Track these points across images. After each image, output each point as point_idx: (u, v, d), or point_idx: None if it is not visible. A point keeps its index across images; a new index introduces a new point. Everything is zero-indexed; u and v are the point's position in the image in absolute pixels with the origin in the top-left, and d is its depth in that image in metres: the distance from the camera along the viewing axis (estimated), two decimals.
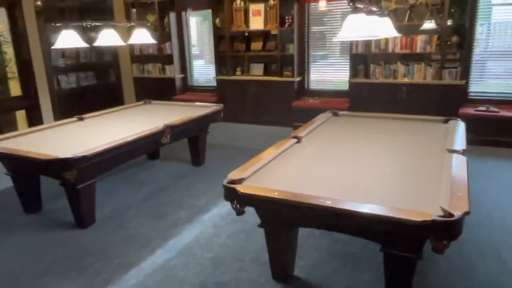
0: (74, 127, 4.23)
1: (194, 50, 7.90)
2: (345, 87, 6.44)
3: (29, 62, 6.06)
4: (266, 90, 6.83)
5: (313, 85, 6.96)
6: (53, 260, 2.98)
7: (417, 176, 2.49)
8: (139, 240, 3.22)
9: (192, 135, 4.70)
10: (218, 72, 7.19)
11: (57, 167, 3.04)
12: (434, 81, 5.70)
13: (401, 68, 5.87)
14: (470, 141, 5.27)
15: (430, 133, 3.46)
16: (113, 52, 7.77)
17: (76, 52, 7.35)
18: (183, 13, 7.50)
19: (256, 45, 6.86)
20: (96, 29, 3.97)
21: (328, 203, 2.04)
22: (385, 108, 5.44)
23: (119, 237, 3.28)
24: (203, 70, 7.88)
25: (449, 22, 5.49)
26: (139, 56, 7.80)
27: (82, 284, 2.67)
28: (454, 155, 2.71)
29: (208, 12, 7.08)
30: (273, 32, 6.59)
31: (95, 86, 7.71)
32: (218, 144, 5.78)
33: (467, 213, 1.90)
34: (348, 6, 2.44)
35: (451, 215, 1.85)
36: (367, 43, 5.95)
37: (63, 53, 7.12)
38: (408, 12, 5.64)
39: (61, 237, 3.33)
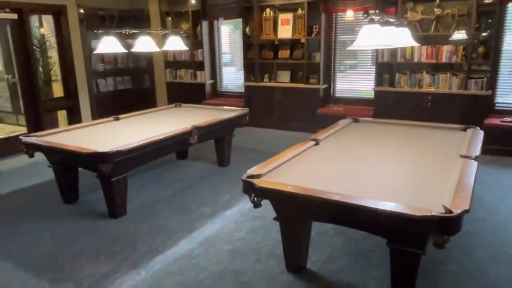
0: (111, 125, 4.57)
1: (225, 57, 8.21)
2: (370, 95, 6.54)
3: (72, 65, 6.53)
4: (292, 97, 7.03)
5: (339, 93, 7.09)
6: (87, 245, 3.28)
7: (427, 178, 2.61)
8: (165, 231, 3.48)
9: (218, 137, 4.95)
10: (247, 78, 7.45)
11: (95, 160, 3.34)
12: (459, 91, 5.72)
13: (426, 77, 5.93)
14: (494, 152, 5.32)
15: (447, 140, 3.55)
16: (148, 58, 8.20)
17: (114, 57, 7.81)
18: (215, 22, 7.83)
19: (284, 53, 7.08)
20: (133, 36, 4.30)
21: (337, 197, 2.22)
22: (409, 117, 5.51)
23: (147, 228, 3.55)
24: (232, 77, 8.16)
25: (483, 34, 5.51)
26: (172, 62, 8.18)
27: (111, 266, 2.94)
28: (465, 160, 2.81)
29: (239, 21, 7.37)
30: (301, 40, 6.79)
31: (131, 90, 8.14)
32: (244, 147, 6.01)
33: (466, 211, 2.03)
34: (365, 18, 2.61)
35: (451, 212, 1.99)
36: (393, 53, 6.04)
37: (102, 58, 7.59)
38: (434, 22, 5.71)
39: (95, 225, 3.63)
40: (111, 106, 7.12)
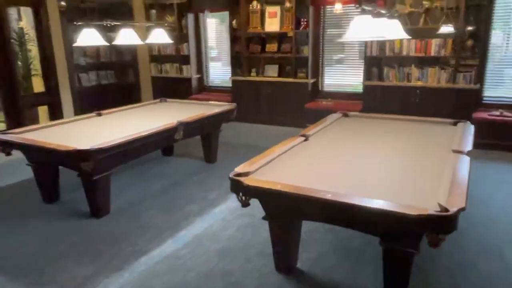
0: (93, 122, 4.41)
1: (212, 52, 8.05)
2: (359, 89, 6.49)
3: (52, 60, 6.31)
4: (280, 91, 6.93)
5: (327, 87, 7.02)
6: (69, 246, 3.14)
7: (420, 174, 2.55)
8: (151, 230, 3.36)
9: (205, 132, 4.83)
10: (234, 72, 7.32)
11: (75, 158, 3.20)
12: (448, 84, 5.70)
13: (415, 71, 5.89)
14: (482, 146, 5.31)
15: (438, 135, 3.50)
16: (132, 51, 8.00)
17: (97, 51, 7.59)
18: (200, 15, 7.67)
19: (271, 47, 6.97)
20: (116, 28, 4.14)
21: (328, 196, 2.13)
22: (398, 111, 5.46)
23: (132, 227, 3.42)
24: (219, 71, 8.02)
25: (469, 28, 5.48)
26: (157, 56, 8.00)
27: (95, 268, 2.82)
28: (458, 156, 2.76)
29: (226, 14, 7.23)
30: (289, 34, 6.68)
31: (114, 85, 7.93)
32: (231, 142, 5.90)
33: (462, 209, 1.96)
34: (357, 9, 2.52)
35: (447, 211, 1.92)
36: (381, 47, 5.99)
37: (84, 52, 7.37)
38: (423, 15, 5.66)
39: (77, 225, 3.49)
40: (94, 101, 6.89)
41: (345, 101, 6.66)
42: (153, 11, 7.73)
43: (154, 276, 2.72)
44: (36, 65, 6.54)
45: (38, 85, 6.68)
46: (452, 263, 2.83)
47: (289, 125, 6.74)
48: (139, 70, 8.17)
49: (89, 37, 3.75)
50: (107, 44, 4.02)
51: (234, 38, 7.17)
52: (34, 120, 6.48)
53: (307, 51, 6.60)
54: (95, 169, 3.32)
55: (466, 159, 2.70)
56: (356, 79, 6.58)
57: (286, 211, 2.50)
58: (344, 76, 6.89)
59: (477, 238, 3.15)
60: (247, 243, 3.13)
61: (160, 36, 4.47)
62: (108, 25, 3.83)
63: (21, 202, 4.01)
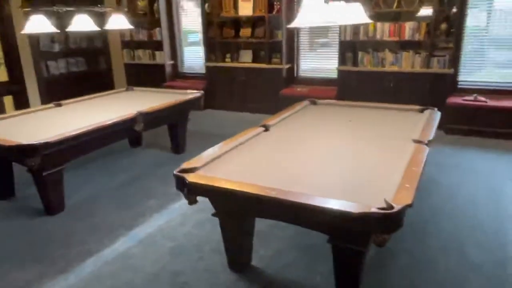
0: (50, 113, 4.21)
1: (192, 36, 7.78)
2: (335, 75, 6.33)
3: (14, 47, 6.03)
4: (255, 78, 6.75)
5: (302, 73, 6.86)
6: (15, 247, 2.99)
7: (374, 167, 2.43)
8: (104, 228, 3.21)
9: (171, 122, 4.66)
10: (208, 58, 7.11)
11: (20, 154, 3.02)
12: (422, 69, 5.57)
13: (389, 56, 5.75)
14: (456, 131, 5.23)
15: (402, 123, 3.38)
16: (103, 37, 7.71)
17: (65, 37, 7.29)
18: None
19: (245, 32, 6.75)
20: (70, 14, 3.91)
21: (273, 194, 2.00)
22: (373, 96, 5.33)
23: (85, 226, 3.27)
24: (195, 57, 7.78)
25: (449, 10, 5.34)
26: (130, 42, 7.71)
27: (39, 271, 2.68)
28: (417, 146, 2.65)
29: None
30: (263, 17, 6.46)
31: (85, 72, 7.66)
32: (203, 131, 5.74)
33: (408, 206, 1.85)
34: None
35: (392, 208, 1.80)
36: (355, 30, 5.82)
37: (52, 38, 7.07)
38: None
39: (28, 224, 3.33)
40: (63, 90, 6.64)
41: (320, 87, 6.51)
42: None
43: (99, 278, 2.59)
44: None
45: (2, 74, 6.40)
46: (412, 260, 2.73)
47: (264, 112, 6.54)
48: (111, 57, 7.90)
49: (37, 23, 3.53)
50: (57, 31, 3.79)
51: (208, 22, 6.94)
52: (0, 111, 6.23)
53: (280, 35, 6.41)
54: (44, 164, 3.15)
55: (424, 150, 2.59)
56: (332, 65, 6.41)
57: (234, 209, 2.37)
58: (320, 62, 6.72)
59: (440, 232, 3.06)
60: (203, 239, 3.01)
61: (119, 22, 4.25)
62: (59, 11, 3.59)
63: None
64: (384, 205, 1.85)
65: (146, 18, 7.35)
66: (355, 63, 6.01)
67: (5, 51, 6.09)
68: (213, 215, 2.48)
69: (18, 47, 6.09)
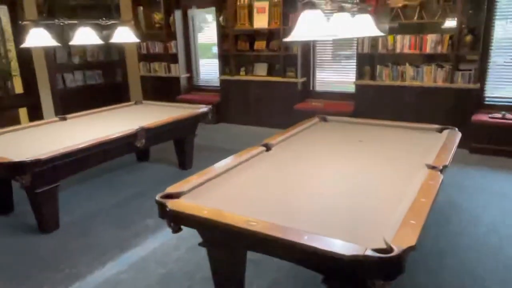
0: (53, 127, 4.13)
1: (206, 50, 7.69)
2: (352, 89, 6.07)
3: (30, 60, 6.07)
4: (269, 91, 6.57)
5: (318, 87, 6.61)
6: (3, 265, 2.87)
7: (378, 197, 2.17)
8: (96, 249, 3.06)
9: (176, 137, 4.52)
10: (222, 71, 6.98)
11: (10, 171, 2.92)
12: (445, 84, 5.24)
13: (409, 70, 5.44)
14: (482, 151, 4.86)
15: (416, 145, 3.09)
16: (120, 50, 7.73)
17: (83, 50, 7.34)
18: (188, 11, 7.33)
19: (260, 44, 6.60)
20: (73, 27, 3.85)
21: (254, 226, 1.78)
22: (392, 113, 5.09)
23: (77, 245, 3.13)
24: (210, 70, 7.68)
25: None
26: (146, 54, 7.71)
27: None
28: (429, 172, 2.37)
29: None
30: (278, 30, 6.30)
31: (102, 85, 7.69)
32: (213, 146, 5.58)
33: (411, 248, 1.59)
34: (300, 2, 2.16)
35: (390, 250, 1.55)
36: (373, 43, 5.56)
37: (69, 51, 7.13)
38: (418, 9, 5.21)
39: (21, 242, 3.22)
40: (78, 102, 6.63)
41: (337, 102, 6.25)
42: (140, 8, 7.45)
43: None
44: (15, 65, 6.33)
45: (19, 86, 6.47)
46: None
47: (278, 127, 6.30)
48: (128, 70, 7.90)
49: (37, 37, 3.47)
50: (59, 44, 3.72)
51: (223, 35, 6.83)
52: (15, 122, 6.26)
53: (296, 48, 6.21)
54: (36, 182, 3.04)
55: (438, 177, 2.31)
56: (349, 78, 6.15)
57: (220, 240, 2.15)
58: (336, 75, 6.47)
59: (458, 266, 2.74)
60: (195, 266, 2.81)
61: (124, 35, 4.16)
62: (61, 23, 3.52)
63: None
64: (382, 245, 1.61)
65: (162, 31, 7.32)
66: (373, 77, 5.73)
67: (20, 63, 6.15)
68: (200, 244, 2.27)
69: (33, 59, 6.12)
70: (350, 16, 2.58)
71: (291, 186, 2.37)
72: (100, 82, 7.70)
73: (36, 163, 2.92)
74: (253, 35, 6.67)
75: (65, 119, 4.40)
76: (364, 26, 2.68)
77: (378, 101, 5.67)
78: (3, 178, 3.39)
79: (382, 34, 2.83)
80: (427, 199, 2.00)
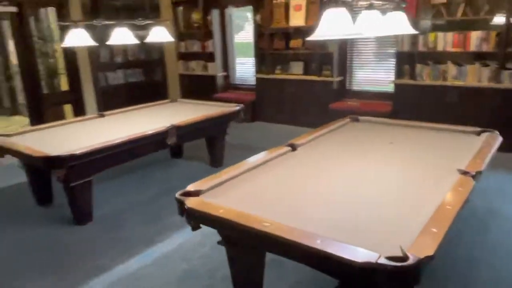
0: (92, 123, 4.31)
1: (242, 48, 7.74)
2: (390, 89, 5.87)
3: (74, 58, 6.37)
4: (304, 90, 6.49)
5: (356, 86, 6.45)
6: (38, 255, 3.04)
7: (400, 203, 2.08)
8: (123, 243, 3.16)
9: (208, 136, 4.57)
10: (258, 70, 6.98)
11: (46, 165, 3.08)
12: (490, 84, 4.94)
13: (452, 68, 5.18)
14: None
15: (451, 148, 2.94)
16: (160, 49, 7.93)
17: (124, 49, 7.60)
18: (226, 10, 7.39)
19: (296, 42, 6.53)
20: (110, 27, 3.98)
21: (267, 227, 1.76)
22: (432, 114, 4.89)
23: (107, 238, 3.25)
24: (246, 68, 7.70)
25: None
26: (185, 53, 7.86)
27: (49, 284, 2.66)
28: (461, 178, 2.24)
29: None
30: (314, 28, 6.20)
31: (142, 83, 7.91)
32: (246, 145, 5.60)
33: (429, 258, 1.51)
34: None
35: (405, 259, 1.48)
36: (413, 40, 5.34)
37: (111, 50, 7.40)
38: (463, 5, 4.94)
39: (57, 233, 3.39)
40: (120, 99, 6.91)
41: (374, 102, 6.07)
42: (180, 8, 7.61)
43: None
44: (62, 64, 6.66)
45: (64, 84, 6.81)
46: None
47: (313, 126, 6.16)
48: (167, 68, 8.09)
49: (76, 37, 3.63)
50: (96, 44, 3.87)
51: (259, 34, 6.82)
52: (60, 117, 6.60)
53: (332, 46, 6.09)
54: (71, 175, 3.18)
55: (468, 184, 2.17)
56: (388, 78, 5.95)
57: (237, 239, 2.15)
58: (374, 74, 6.28)
59: (497, 279, 2.57)
60: (218, 264, 2.82)
61: (160, 34, 4.26)
62: (98, 24, 3.66)
63: (18, 204, 4.00)
64: (399, 253, 1.54)
65: (200, 30, 7.43)
66: (413, 77, 5.51)
67: (66, 62, 6.46)
68: (219, 243, 2.29)
69: (78, 58, 6.42)
70: (379, 14, 2.49)
71: (313, 186, 2.33)
72: (141, 80, 7.93)
73: (71, 157, 3.06)
74: (289, 34, 6.61)
75: (103, 115, 4.57)
76: (395, 23, 2.57)
77: (418, 102, 5.45)
78: (42, 171, 3.56)
79: (415, 31, 2.70)
80: (453, 207, 1.89)
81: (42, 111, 6.08)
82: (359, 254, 1.53)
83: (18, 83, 6.85)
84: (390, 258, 1.50)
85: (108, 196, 4.02)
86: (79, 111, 6.56)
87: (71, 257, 2.99)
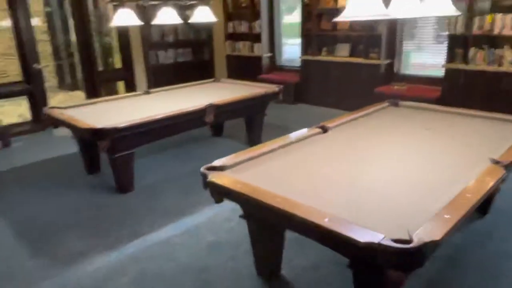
0: (137, 100, 4.55)
1: (291, 29, 7.68)
2: (440, 73, 5.60)
3: (127, 37, 6.69)
4: (350, 73, 6.37)
5: (404, 70, 6.21)
6: (82, 219, 3.33)
7: (423, 188, 2.04)
8: (158, 213, 3.37)
9: (246, 115, 4.66)
10: (304, 51, 6.92)
11: (92, 136, 3.33)
12: None
13: (509, 53, 4.83)
14: None
15: (488, 137, 2.79)
16: (208, 30, 8.07)
17: (175, 29, 7.82)
18: None
19: (344, 24, 6.38)
20: (158, 7, 4.14)
21: (278, 202, 1.82)
22: (484, 100, 4.68)
23: (145, 207, 3.48)
24: (293, 49, 7.65)
25: None
26: (232, 34, 7.95)
27: (90, 245, 2.93)
28: (490, 167, 2.16)
29: None
30: None
31: (190, 62, 8.12)
32: (285, 126, 5.63)
33: (434, 243, 1.51)
34: None
35: (409, 241, 1.49)
36: (467, 22, 5.03)
37: (163, 30, 7.65)
38: None
39: (101, 199, 3.67)
40: (168, 77, 7.15)
41: (422, 86, 5.83)
42: None
43: (135, 260, 2.72)
44: (116, 43, 7.01)
45: (118, 62, 7.18)
46: None
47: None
48: (214, 48, 8.24)
49: (124, 17, 3.82)
50: (142, 23, 4.05)
51: (306, 14, 6.74)
52: (113, 93, 6.99)
53: (381, 28, 5.89)
54: (114, 147, 3.42)
55: (498, 173, 2.09)
56: (439, 62, 5.67)
57: (255, 214, 2.24)
58: (424, 58, 6.00)
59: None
60: (243, 238, 2.92)
61: (203, 15, 4.36)
62: (145, 4, 3.83)
63: (69, 172, 4.36)
64: (406, 236, 1.55)
65: (248, 11, 7.46)
66: (465, 61, 5.21)
67: (119, 41, 6.80)
68: (241, 217, 2.39)
69: (130, 37, 6.73)
70: None
71: (337, 168, 2.34)
72: (190, 60, 8.15)
73: (114, 130, 3.28)
74: (337, 14, 6.44)
75: (148, 93, 4.80)
76: (435, 4, 2.46)
77: (469, 88, 5.17)
78: (90, 142, 3.85)
79: (458, 13, 2.57)
80: (474, 195, 1.84)
81: (97, 87, 6.47)
82: (364, 234, 1.56)
83: (77, 60, 7.29)
84: (395, 240, 1.51)
85: (151, 168, 4.27)
86: (131, 87, 6.90)
87: (111, 221, 3.25)
